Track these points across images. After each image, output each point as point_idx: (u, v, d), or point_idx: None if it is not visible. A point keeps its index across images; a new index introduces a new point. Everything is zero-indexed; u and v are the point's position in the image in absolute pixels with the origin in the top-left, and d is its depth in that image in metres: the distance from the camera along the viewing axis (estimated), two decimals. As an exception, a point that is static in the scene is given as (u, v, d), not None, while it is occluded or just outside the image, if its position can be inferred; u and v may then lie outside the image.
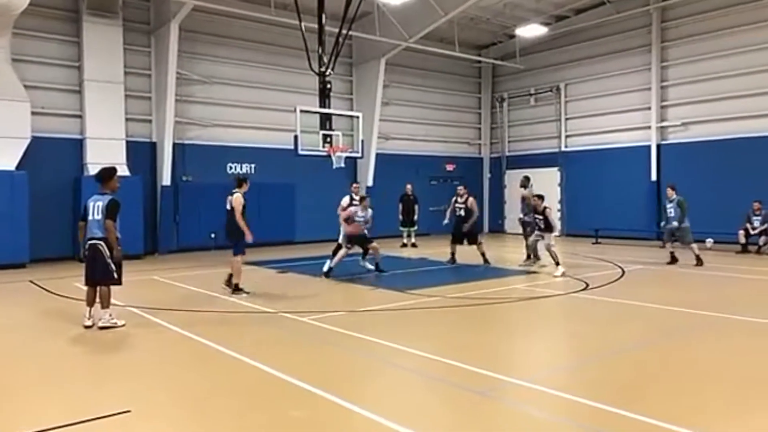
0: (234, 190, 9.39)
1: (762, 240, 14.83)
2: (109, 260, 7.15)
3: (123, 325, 7.18)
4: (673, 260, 12.94)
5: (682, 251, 12.91)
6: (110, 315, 7.18)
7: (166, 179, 16.04)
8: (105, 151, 14.63)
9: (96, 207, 7.20)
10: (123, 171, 14.95)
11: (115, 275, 7.23)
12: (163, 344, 6.64)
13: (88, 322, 7.19)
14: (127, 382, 5.26)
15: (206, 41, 17.14)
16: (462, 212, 13.10)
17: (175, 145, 16.17)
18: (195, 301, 9.13)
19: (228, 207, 9.36)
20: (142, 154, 15.90)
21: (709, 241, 14.72)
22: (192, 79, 16.82)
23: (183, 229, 16.47)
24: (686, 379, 5.17)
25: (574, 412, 4.46)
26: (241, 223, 9.19)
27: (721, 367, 5.56)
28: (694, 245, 12.63)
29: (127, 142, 15.32)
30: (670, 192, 13.05)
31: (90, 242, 7.25)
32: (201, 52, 17.06)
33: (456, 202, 13.34)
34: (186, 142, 16.73)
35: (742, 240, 15.03)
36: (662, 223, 13.49)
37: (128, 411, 4.39)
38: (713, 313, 7.77)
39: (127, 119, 15.42)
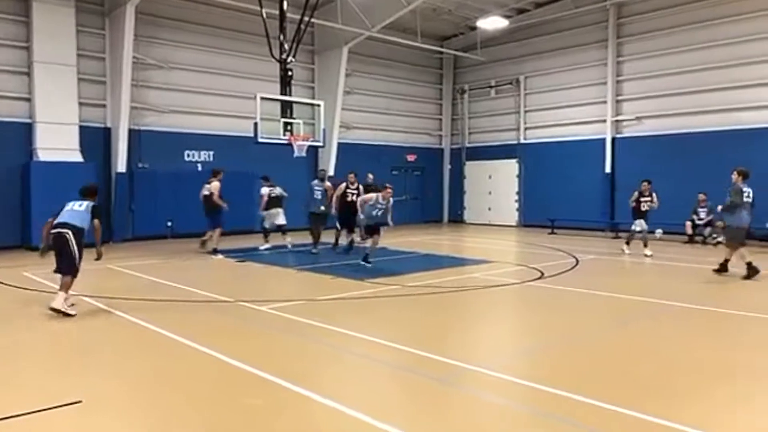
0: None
1: (707, 231, 15.45)
2: (75, 252, 7.18)
3: (74, 315, 7.01)
4: (753, 271, 9.57)
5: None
6: (66, 300, 7.03)
7: (120, 166, 15.58)
8: (56, 136, 14.16)
9: (77, 204, 7.44)
10: (76, 157, 14.53)
11: (78, 266, 7.25)
12: (116, 333, 6.51)
13: (72, 311, 7.09)
14: (79, 372, 5.16)
15: (164, 25, 16.68)
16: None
17: (130, 131, 15.73)
18: (151, 290, 8.98)
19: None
20: (95, 139, 15.43)
21: (659, 231, 15.25)
22: (149, 63, 16.37)
23: (138, 218, 16.08)
24: (642, 365, 5.35)
25: (532, 398, 4.57)
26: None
27: (677, 352, 5.78)
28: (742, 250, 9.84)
29: (80, 127, 14.84)
30: (736, 177, 9.77)
31: (58, 230, 7.19)
32: (158, 37, 16.60)
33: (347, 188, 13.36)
34: (142, 128, 16.30)
35: (689, 231, 15.64)
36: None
37: (79, 401, 4.31)
38: (664, 301, 8.05)
39: (80, 103, 14.92)
